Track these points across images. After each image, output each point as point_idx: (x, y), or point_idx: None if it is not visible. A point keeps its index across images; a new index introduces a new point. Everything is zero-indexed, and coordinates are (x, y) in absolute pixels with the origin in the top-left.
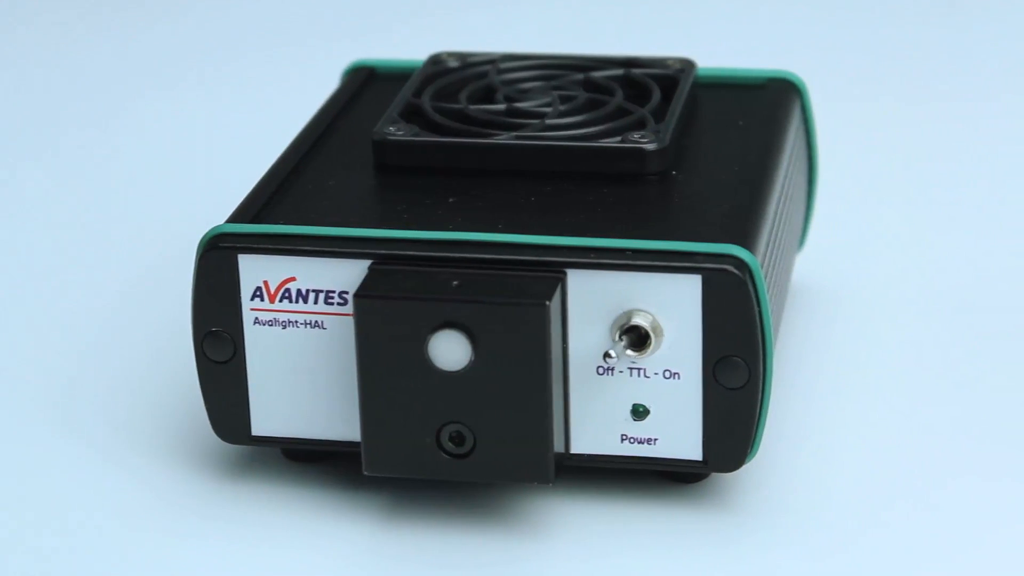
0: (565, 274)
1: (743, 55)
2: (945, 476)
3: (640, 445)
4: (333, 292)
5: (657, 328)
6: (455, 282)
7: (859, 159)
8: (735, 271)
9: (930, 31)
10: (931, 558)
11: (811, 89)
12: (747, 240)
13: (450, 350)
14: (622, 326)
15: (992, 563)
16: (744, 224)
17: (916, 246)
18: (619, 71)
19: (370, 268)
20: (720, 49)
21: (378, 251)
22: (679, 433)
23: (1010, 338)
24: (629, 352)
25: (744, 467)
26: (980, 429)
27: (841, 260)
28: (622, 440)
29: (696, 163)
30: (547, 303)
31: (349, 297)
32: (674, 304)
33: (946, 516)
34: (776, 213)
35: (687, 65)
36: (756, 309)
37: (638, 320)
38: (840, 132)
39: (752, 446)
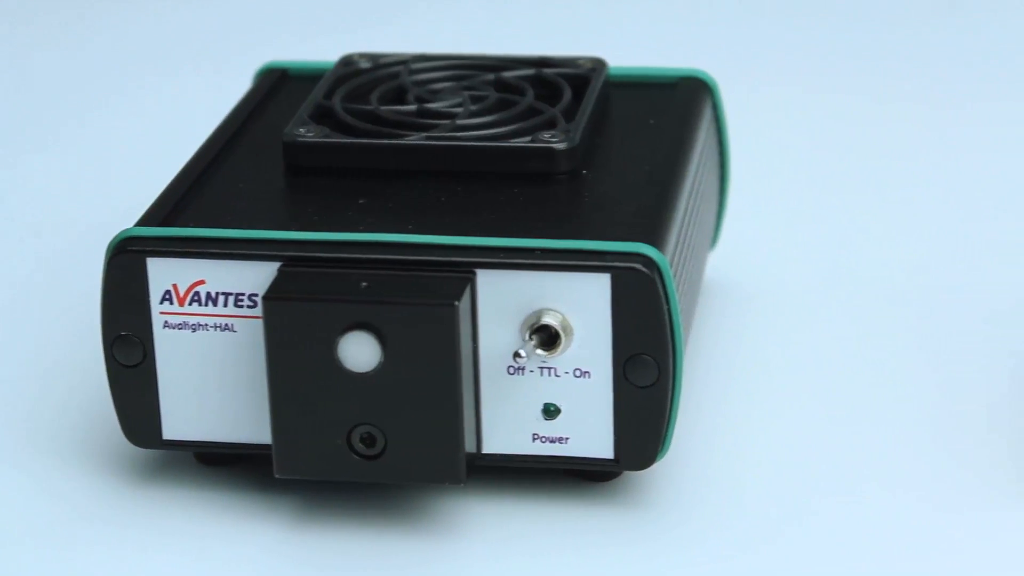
0: (475, 274)
1: (655, 54)
2: (856, 472)
3: (552, 444)
4: (243, 295)
5: (567, 327)
6: (364, 283)
7: (772, 157)
8: (643, 269)
9: (840, 27)
10: (843, 553)
11: (723, 88)
12: (656, 238)
13: (360, 351)
14: (532, 325)
15: (904, 558)
16: (653, 223)
17: (828, 244)
18: (530, 71)
19: (279, 270)
20: (632, 49)
21: (287, 253)
22: (590, 432)
23: (919, 334)
24: (539, 351)
25: (655, 465)
26: (890, 424)
27: (754, 258)
28: (534, 439)
29: (606, 162)
30: (456, 303)
31: (258, 299)
32: (584, 303)
33: (858, 511)
34: (686, 211)
35: (598, 65)
36: (665, 307)
37: (548, 319)
38: (754, 130)
39: (663, 444)
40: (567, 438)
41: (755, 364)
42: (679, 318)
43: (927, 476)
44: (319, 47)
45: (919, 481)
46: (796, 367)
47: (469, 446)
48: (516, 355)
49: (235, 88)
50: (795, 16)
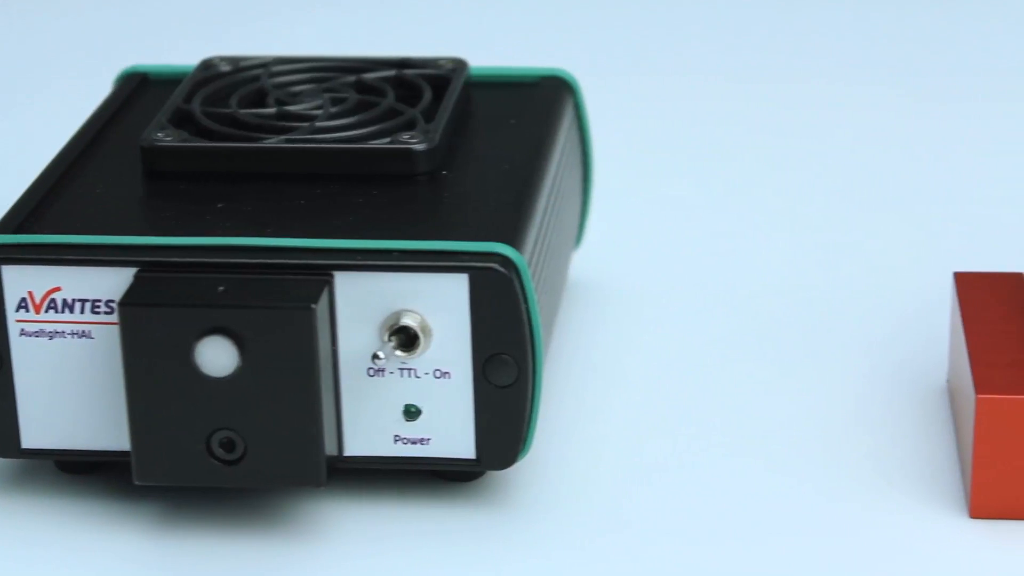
0: (332, 276)
1: (517, 54)
2: (715, 468)
3: (413, 445)
4: (99, 301)
5: (426, 328)
6: (221, 288)
7: (637, 156)
8: (501, 269)
9: (701, 23)
10: (703, 546)
11: (586, 87)
12: (514, 238)
13: (217, 356)
14: (391, 327)
15: (761, 547)
16: (511, 222)
17: (692, 243)
18: (391, 72)
19: (135, 276)
20: (494, 49)
21: (144, 259)
22: (451, 432)
23: (778, 331)
24: (398, 353)
25: (517, 464)
26: (748, 421)
27: (618, 257)
28: (395, 441)
29: (467, 162)
30: (313, 306)
31: (115, 306)
32: (442, 304)
33: (718, 506)
34: (546, 210)
35: (459, 65)
36: (523, 307)
37: (407, 321)
38: (619, 129)
39: (524, 443)
40: (428, 439)
41: (617, 362)
42: (538, 317)
43: (785, 470)
44: (181, 51)
45: (777, 475)
46: (658, 365)
47: (330, 449)
48: (375, 357)
49: (95, 93)
50: (657, 14)
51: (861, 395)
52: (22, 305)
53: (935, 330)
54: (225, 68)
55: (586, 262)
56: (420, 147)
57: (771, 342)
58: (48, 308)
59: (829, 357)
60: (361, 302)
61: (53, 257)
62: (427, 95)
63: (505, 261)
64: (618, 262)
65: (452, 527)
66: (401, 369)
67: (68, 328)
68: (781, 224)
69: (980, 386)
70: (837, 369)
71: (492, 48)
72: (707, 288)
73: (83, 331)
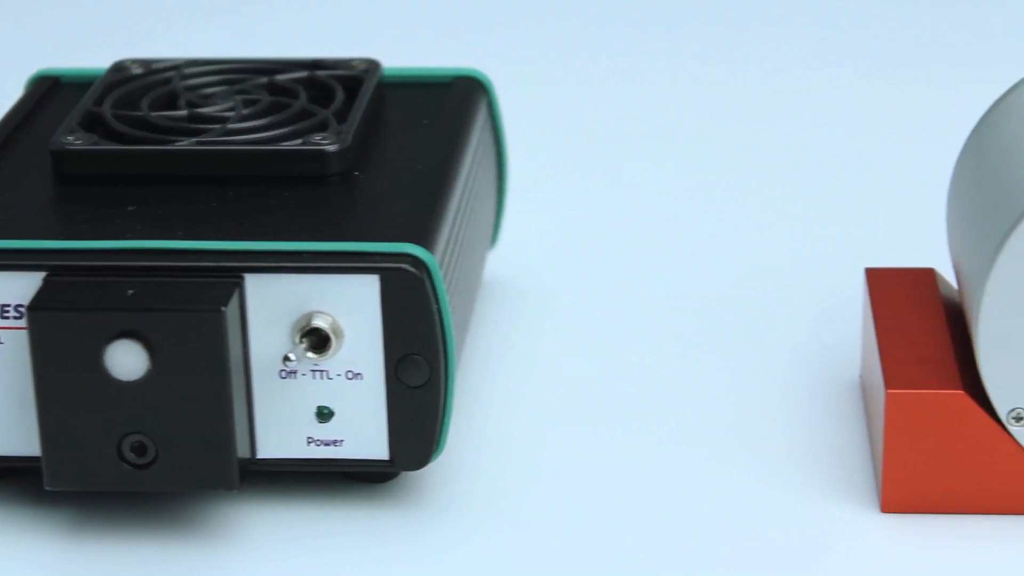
0: (243, 279)
1: (432, 55)
2: (627, 465)
3: (326, 447)
4: (8, 306)
5: (337, 329)
6: (130, 291)
7: (553, 155)
8: (412, 270)
9: (612, 24)
10: (615, 543)
11: (501, 87)
12: (425, 239)
13: (127, 360)
14: (302, 329)
15: (670, 543)
16: (423, 223)
17: (608, 241)
18: (303, 73)
19: (44, 280)
20: (409, 49)
21: (53, 263)
22: (364, 433)
23: (692, 329)
24: (310, 354)
25: (432, 464)
26: (661, 418)
27: (535, 255)
28: (308, 443)
29: (379, 163)
30: (223, 309)
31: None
32: (353, 305)
33: (629, 502)
34: (458, 210)
35: (372, 66)
36: (435, 307)
37: (318, 322)
38: (536, 129)
39: (438, 443)
40: (341, 440)
41: (533, 361)
42: (449, 317)
43: (698, 466)
44: (93, 54)
45: (690, 471)
46: (573, 363)
47: (242, 451)
48: (286, 359)
49: (5, 97)
50: (570, 14)
51: (774, 391)
52: None
53: (849, 326)
54: (137, 70)
55: (502, 261)
56: (332, 148)
57: (684, 339)
58: None
59: (743, 354)
60: (272, 304)
61: None
62: (340, 96)
63: (416, 261)
64: (534, 261)
65: (366, 528)
66: (313, 371)
67: None
68: (695, 222)
69: (889, 381)
70: (751, 365)
71: (405, 49)
72: (621, 286)
73: None
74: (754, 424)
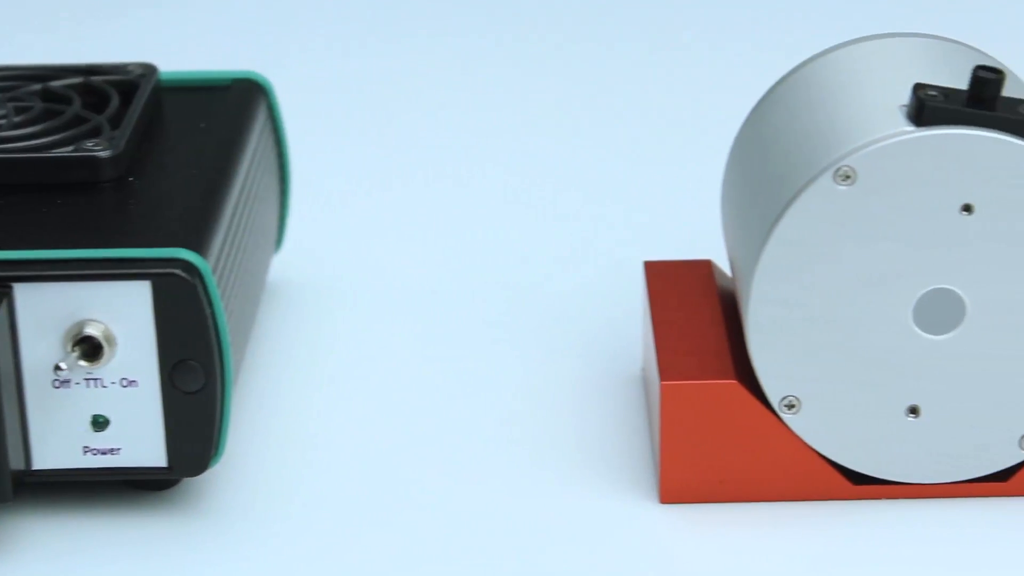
0: (11, 288)
1: (216, 58)
2: (412, 463)
3: (103, 456)
4: None
5: (110, 337)
6: None
7: (336, 158)
8: (184, 275)
9: (389, 24)
10: (398, 541)
11: (285, 90)
12: (198, 244)
13: None
14: (74, 337)
15: (455, 539)
16: (197, 228)
17: (391, 243)
18: (78, 79)
19: None
20: (190, 53)
21: None
22: (141, 441)
23: (476, 326)
24: (83, 363)
25: (213, 469)
26: (446, 416)
27: (321, 258)
28: (85, 452)
29: (155, 168)
30: None
31: None
32: (126, 312)
33: (413, 500)
34: (235, 214)
35: (148, 70)
36: (208, 312)
37: (90, 330)
38: (320, 130)
39: (216, 449)
40: (119, 449)
41: (318, 363)
42: (224, 322)
43: (483, 461)
44: None
45: (473, 466)
46: (359, 365)
47: (16, 463)
48: (57, 368)
49: None
50: (350, 15)
51: (558, 385)
52: None
53: (631, 319)
54: None
55: (288, 264)
56: (104, 154)
57: (470, 337)
58: None
59: (528, 349)
60: (43, 313)
61: None
62: (115, 101)
63: (188, 267)
64: (321, 263)
65: (148, 536)
66: (87, 379)
67: None
68: (479, 220)
69: (664, 373)
70: (536, 360)
71: (184, 53)
72: (409, 286)
73: None
74: (541, 418)
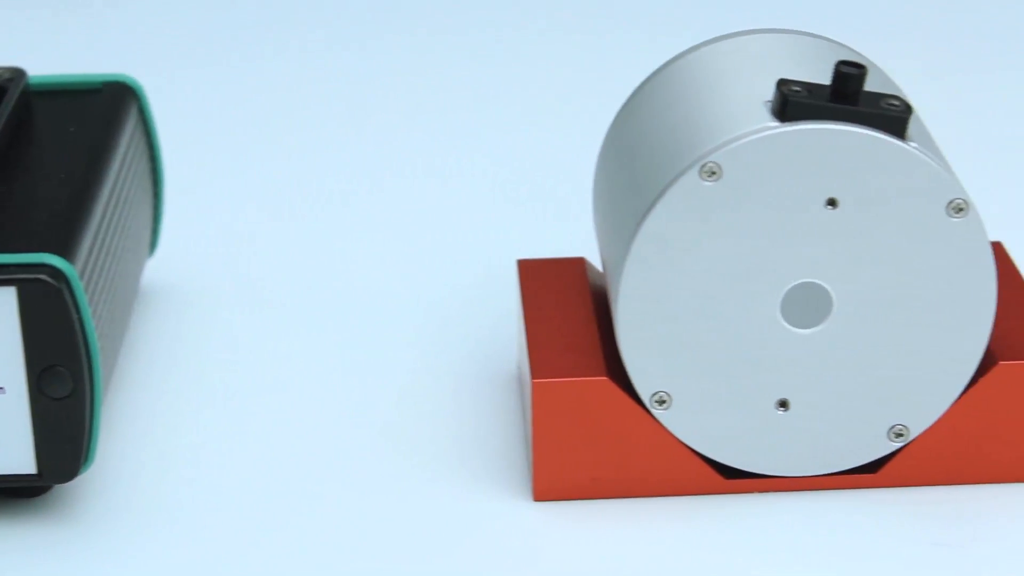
0: None
1: (90, 62)
2: (289, 467)
3: None
4: None
5: None
6: None
7: (211, 160)
8: (50, 280)
9: (261, 26)
10: (274, 545)
11: (160, 93)
12: (65, 248)
13: None
14: None
15: (328, 541)
16: (63, 232)
17: (267, 246)
18: None
19: None
20: (61, 57)
21: None
22: (10, 448)
23: (353, 326)
24: None
25: (86, 475)
26: (322, 416)
27: (196, 261)
28: None
29: (22, 173)
30: None
31: None
32: None
33: (291, 504)
34: (104, 219)
35: (16, 74)
36: (76, 317)
37: None
38: (195, 133)
39: (87, 455)
40: None
41: (192, 367)
42: (92, 328)
43: (359, 460)
44: None
45: (348, 465)
46: (237, 368)
47: None
48: None
49: None
50: (223, 19)
51: (435, 385)
52: None
53: (509, 318)
54: None
55: (163, 268)
56: None
57: (348, 339)
58: None
59: (405, 350)
60: None
61: None
62: None
63: (54, 272)
64: (197, 266)
65: (17, 546)
66: None
67: None
68: (356, 219)
69: (535, 371)
70: (413, 361)
71: (55, 56)
72: (286, 289)
73: None
74: (417, 419)
